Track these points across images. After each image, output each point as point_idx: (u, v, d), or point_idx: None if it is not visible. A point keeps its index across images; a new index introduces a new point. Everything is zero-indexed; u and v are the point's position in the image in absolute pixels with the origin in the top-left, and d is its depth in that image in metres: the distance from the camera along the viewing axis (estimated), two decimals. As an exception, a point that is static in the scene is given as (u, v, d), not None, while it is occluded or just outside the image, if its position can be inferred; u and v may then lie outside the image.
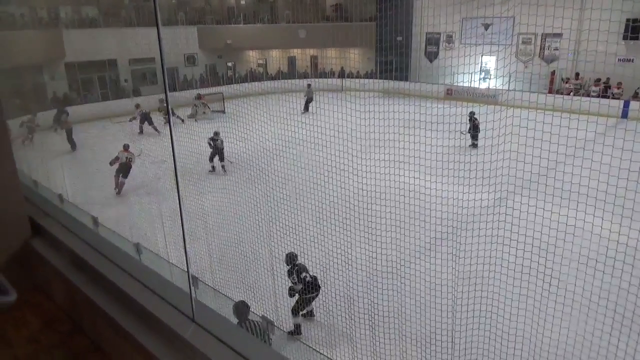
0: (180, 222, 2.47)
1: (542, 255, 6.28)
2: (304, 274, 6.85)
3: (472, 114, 14.55)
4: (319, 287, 7.03)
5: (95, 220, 5.08)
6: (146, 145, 15.93)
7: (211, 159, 14.00)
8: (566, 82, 21.80)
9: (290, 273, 6.95)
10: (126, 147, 13.08)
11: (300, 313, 7.04)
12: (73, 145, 17.35)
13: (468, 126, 14.53)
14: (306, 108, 21.21)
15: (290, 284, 6.91)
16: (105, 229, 5.30)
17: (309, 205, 9.30)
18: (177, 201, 2.68)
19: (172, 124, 2.63)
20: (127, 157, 12.83)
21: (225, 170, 13.81)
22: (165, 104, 18.38)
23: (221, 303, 5.81)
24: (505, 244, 6.54)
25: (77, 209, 5.00)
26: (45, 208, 3.49)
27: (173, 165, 2.36)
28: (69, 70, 24.20)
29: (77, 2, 25.75)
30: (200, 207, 9.35)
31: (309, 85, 22.43)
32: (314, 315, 7.31)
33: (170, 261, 6.27)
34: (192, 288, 2.20)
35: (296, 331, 6.90)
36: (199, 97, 21.60)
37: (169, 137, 2.67)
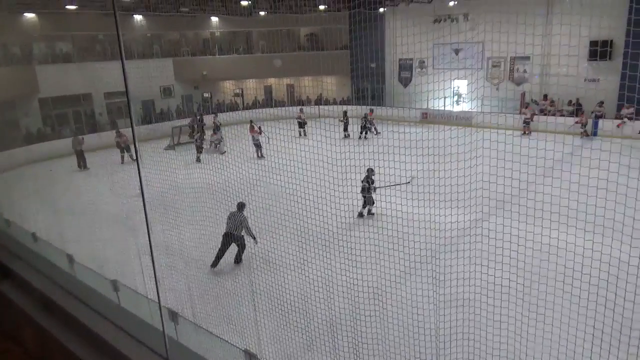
0: (159, 256, 2.45)
1: (520, 274, 6.36)
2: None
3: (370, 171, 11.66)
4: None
5: (70, 258, 4.98)
6: (123, 178, 15.76)
7: None
8: (536, 103, 22.46)
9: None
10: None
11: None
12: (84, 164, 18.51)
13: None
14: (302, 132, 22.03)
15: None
16: (81, 266, 5.19)
17: (288, 234, 9.28)
18: (156, 234, 2.66)
19: (139, 157, 2.63)
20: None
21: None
22: (119, 138, 18.68)
23: (202, 339, 5.70)
24: (484, 264, 6.61)
25: (51, 247, 4.89)
26: (16, 250, 3.42)
27: (150, 198, 2.35)
28: (42, 106, 23.97)
29: (51, 38, 25.70)
30: (180, 240, 9.24)
31: (300, 110, 23.17)
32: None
33: (149, 297, 6.14)
34: (166, 327, 2.17)
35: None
36: (215, 128, 20.91)
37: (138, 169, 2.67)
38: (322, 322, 7.08)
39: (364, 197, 11.39)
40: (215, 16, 29.35)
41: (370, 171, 11.34)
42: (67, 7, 21.93)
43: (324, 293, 6.98)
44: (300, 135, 21.56)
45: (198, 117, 23.62)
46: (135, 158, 18.45)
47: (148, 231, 2.47)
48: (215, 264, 9.35)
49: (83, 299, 2.69)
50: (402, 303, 6.87)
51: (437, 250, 8.62)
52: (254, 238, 9.31)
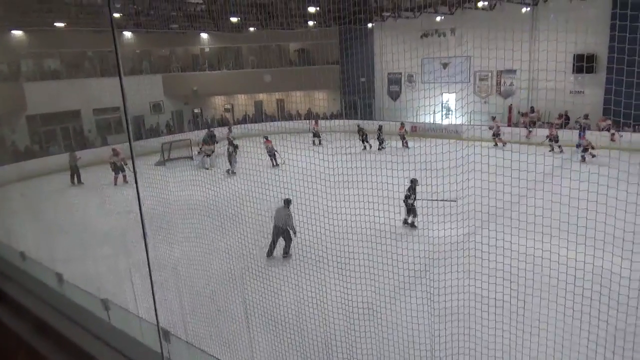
0: (149, 274, 2.41)
1: (514, 287, 6.37)
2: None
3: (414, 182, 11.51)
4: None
5: (60, 278, 4.90)
6: (114, 194, 15.63)
7: None
8: (523, 116, 22.76)
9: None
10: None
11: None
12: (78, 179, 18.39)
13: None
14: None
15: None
16: (70, 286, 5.10)
17: (279, 249, 9.22)
18: (145, 252, 2.63)
19: (136, 172, 2.61)
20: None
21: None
22: (115, 157, 18.06)
23: (195, 358, 5.61)
24: (477, 278, 6.62)
25: (40, 267, 4.81)
26: (5, 270, 3.35)
27: (139, 216, 2.33)
28: (30, 123, 23.79)
29: (39, 55, 25.62)
30: (171, 257, 9.14)
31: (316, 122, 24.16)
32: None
33: (140, 315, 6.05)
34: (164, 344, 2.13)
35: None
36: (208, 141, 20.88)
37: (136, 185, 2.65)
38: (317, 339, 7.01)
39: (407, 206, 11.39)
40: (205, 32, 29.49)
41: (414, 182, 11.19)
42: (56, 24, 21.89)
43: (318, 310, 6.93)
44: (314, 144, 22.50)
45: (210, 130, 23.44)
46: (127, 180, 17.93)
47: (146, 249, 2.44)
48: (269, 253, 10.34)
49: (75, 319, 2.64)
50: (397, 319, 6.84)
51: (431, 264, 8.62)
52: (295, 232, 10.14)
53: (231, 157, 18.52)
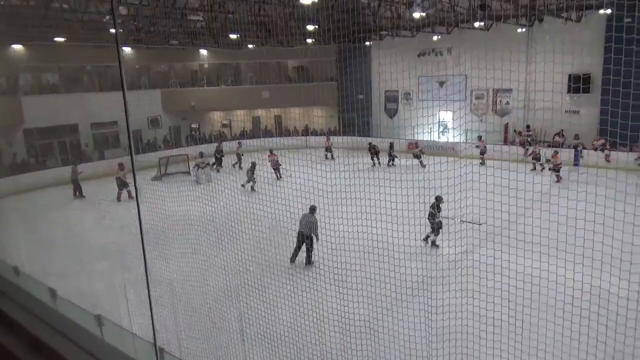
0: (144, 289, 2.39)
1: (512, 307, 6.33)
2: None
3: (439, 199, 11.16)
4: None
5: (53, 293, 4.84)
6: (112, 209, 15.56)
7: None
8: (519, 134, 22.90)
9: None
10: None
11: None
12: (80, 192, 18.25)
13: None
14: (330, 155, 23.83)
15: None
16: (64, 301, 5.04)
17: (277, 264, 9.17)
18: (143, 267, 2.60)
19: (137, 189, 2.60)
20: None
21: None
22: (122, 171, 17.65)
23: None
24: (475, 297, 6.58)
25: (34, 282, 4.75)
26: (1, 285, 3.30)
27: (137, 231, 2.31)
28: (27, 136, 23.78)
29: (38, 69, 25.73)
30: (166, 272, 9.06)
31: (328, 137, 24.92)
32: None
33: (134, 332, 5.97)
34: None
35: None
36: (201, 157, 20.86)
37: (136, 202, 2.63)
38: (313, 355, 6.93)
39: (432, 224, 11.08)
40: (205, 49, 29.72)
41: (439, 199, 10.88)
42: (56, 39, 22.03)
43: (314, 325, 6.86)
44: (327, 158, 23.55)
45: (220, 144, 23.58)
46: (132, 196, 17.56)
47: (145, 267, 2.42)
48: (293, 259, 10.47)
49: (69, 336, 2.60)
50: (394, 337, 6.77)
51: (428, 282, 8.57)
52: (317, 238, 10.13)
53: (249, 173, 18.44)
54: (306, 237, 10.26)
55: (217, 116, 31.94)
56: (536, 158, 19.29)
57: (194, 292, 9.15)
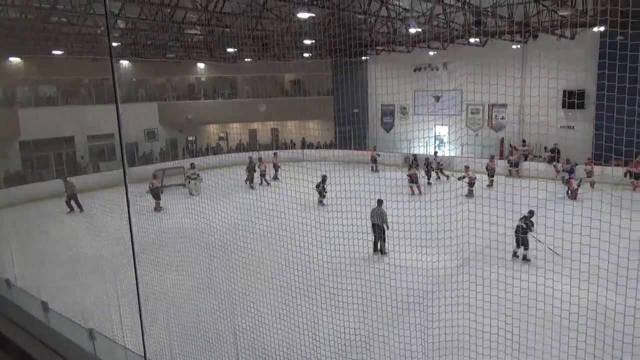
0: (137, 304, 2.35)
1: (509, 322, 6.29)
2: None
3: None
4: None
5: (45, 307, 4.77)
6: (103, 221, 15.43)
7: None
8: (515, 149, 23.02)
9: None
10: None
11: None
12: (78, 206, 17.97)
13: None
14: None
15: None
16: (56, 315, 4.97)
17: (272, 279, 9.09)
18: (134, 281, 2.57)
19: (129, 201, 2.58)
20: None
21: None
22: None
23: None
24: (472, 312, 6.54)
25: (26, 295, 4.70)
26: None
27: (128, 243, 2.29)
28: (23, 148, 23.71)
29: (35, 82, 25.76)
30: (159, 285, 8.97)
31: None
32: None
33: (126, 346, 5.88)
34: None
35: None
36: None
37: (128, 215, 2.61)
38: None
39: (518, 237, 10.58)
40: (202, 62, 29.87)
41: (531, 213, 10.35)
42: (54, 52, 22.08)
43: (309, 340, 6.78)
44: (372, 170, 23.51)
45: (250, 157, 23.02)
46: (161, 207, 17.47)
47: (137, 280, 2.39)
48: (375, 249, 11.33)
49: (61, 352, 2.55)
50: (390, 352, 6.70)
51: (424, 296, 8.53)
52: (387, 227, 11.02)
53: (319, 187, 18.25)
54: (379, 228, 11.10)
55: (213, 129, 32.00)
56: (512, 164, 19.60)
57: (187, 305, 9.06)
